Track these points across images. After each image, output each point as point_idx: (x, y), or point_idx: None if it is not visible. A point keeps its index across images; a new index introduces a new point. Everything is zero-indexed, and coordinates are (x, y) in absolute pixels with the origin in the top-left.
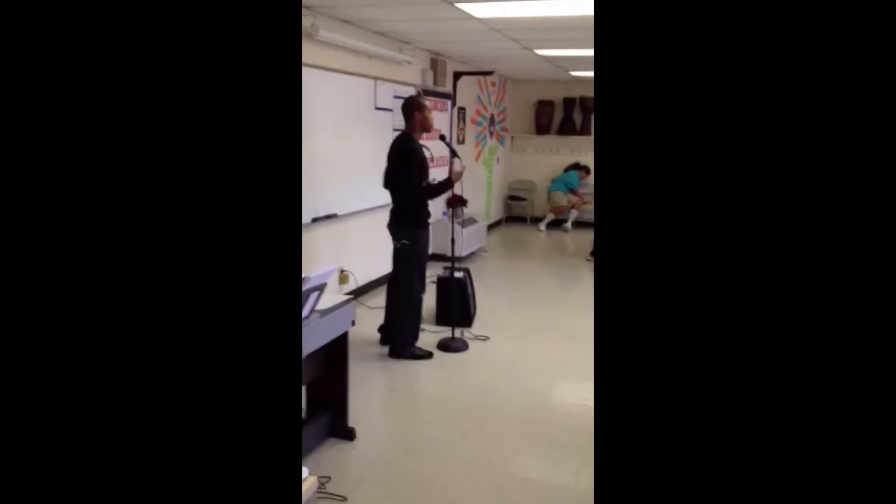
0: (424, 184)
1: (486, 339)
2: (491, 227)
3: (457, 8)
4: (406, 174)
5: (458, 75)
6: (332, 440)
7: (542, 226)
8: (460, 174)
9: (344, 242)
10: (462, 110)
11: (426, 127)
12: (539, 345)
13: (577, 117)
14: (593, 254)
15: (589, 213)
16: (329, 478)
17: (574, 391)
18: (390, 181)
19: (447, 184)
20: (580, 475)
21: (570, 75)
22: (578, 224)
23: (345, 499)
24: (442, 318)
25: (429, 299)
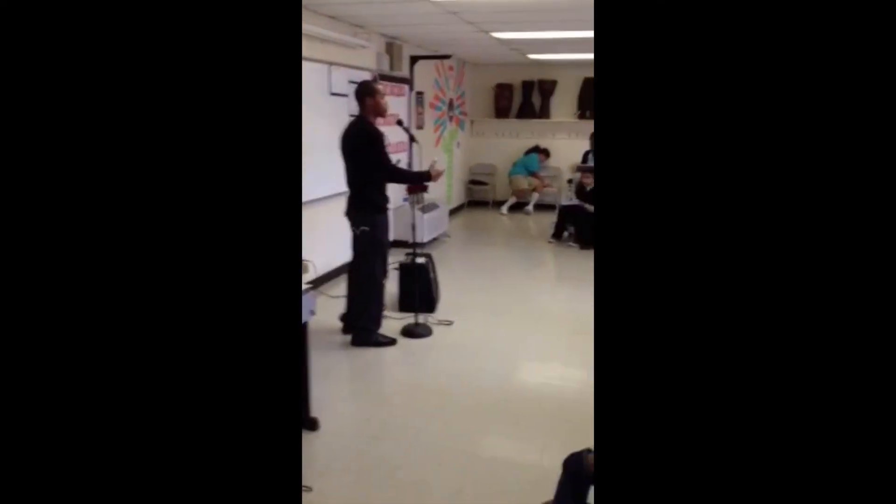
0: (392, 166)
1: (449, 323)
2: (453, 211)
3: None
4: (367, 156)
5: (414, 59)
6: None
7: (504, 209)
8: (440, 174)
9: (302, 231)
10: (420, 95)
11: (379, 112)
12: (503, 327)
13: (536, 100)
14: (555, 236)
15: (550, 195)
16: None
17: (538, 371)
18: (350, 168)
19: (425, 177)
20: (545, 453)
21: (528, 58)
22: (540, 207)
23: (309, 489)
24: (405, 305)
25: (391, 286)
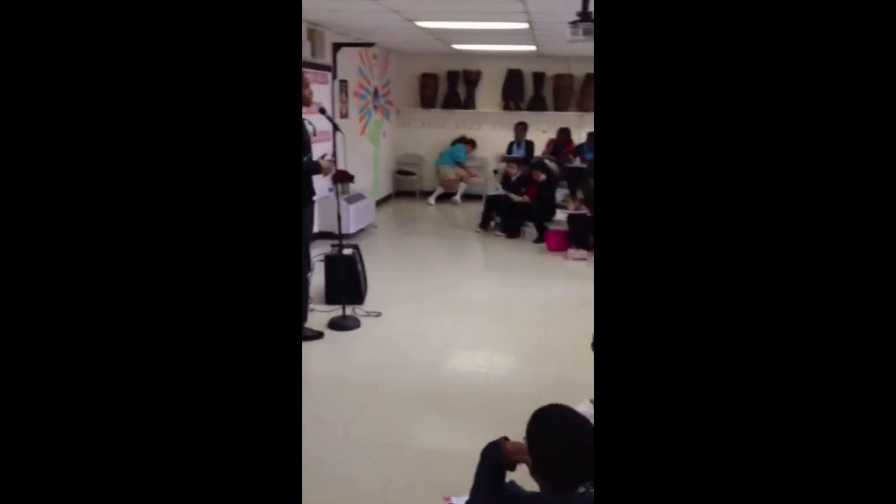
0: (305, 159)
1: (378, 314)
2: (380, 202)
3: None
4: None
5: (337, 47)
6: None
7: (432, 199)
8: (329, 169)
9: None
10: (344, 83)
11: (304, 102)
12: (431, 317)
13: (462, 91)
14: (482, 225)
15: (477, 185)
16: None
17: (466, 359)
18: None
19: (315, 169)
20: (474, 439)
21: (453, 49)
22: (467, 197)
23: None
24: (332, 297)
25: (317, 278)
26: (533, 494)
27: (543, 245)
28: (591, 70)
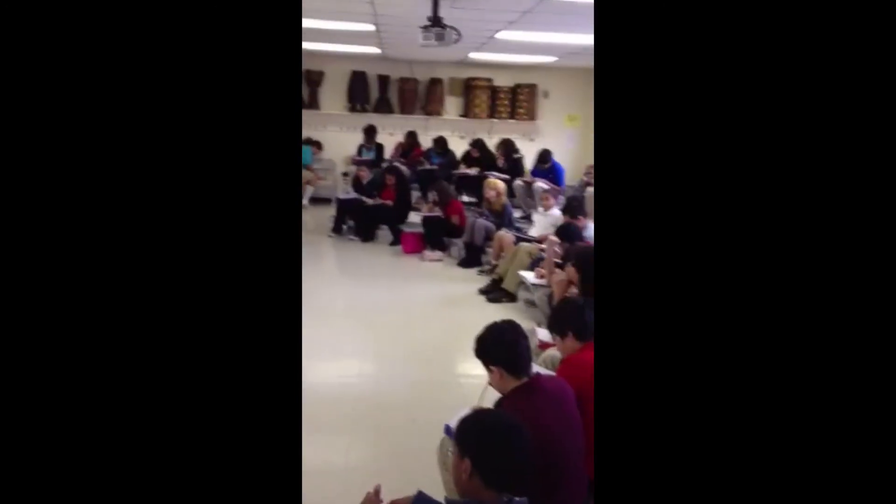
0: None
1: None
2: None
3: None
4: None
5: None
6: None
7: None
8: None
9: None
10: None
11: None
12: None
13: (304, 91)
14: (335, 230)
15: (325, 188)
16: None
17: (332, 370)
18: None
19: None
20: (350, 454)
21: None
22: (315, 200)
23: None
24: None
25: None
26: None
27: (399, 248)
28: (435, 75)
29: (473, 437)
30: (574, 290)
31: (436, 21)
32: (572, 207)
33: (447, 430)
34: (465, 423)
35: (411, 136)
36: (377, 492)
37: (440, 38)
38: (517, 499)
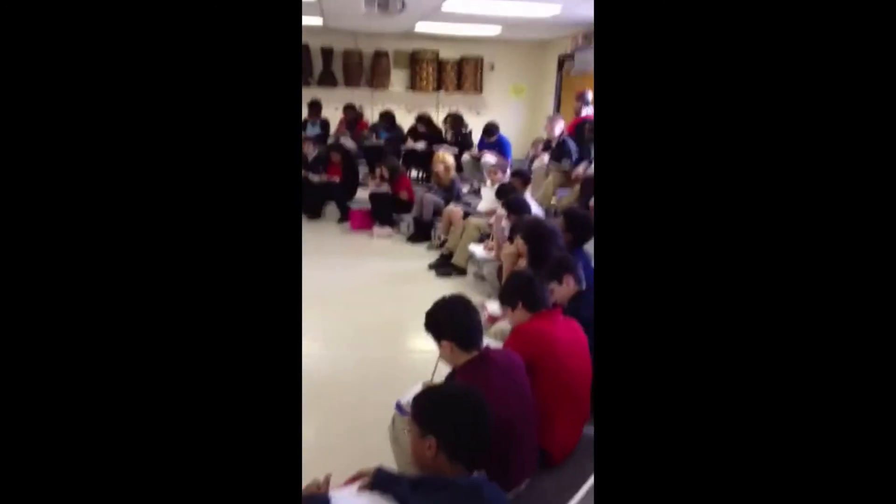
0: None
1: None
2: None
3: None
4: None
5: None
6: None
7: None
8: None
9: None
10: None
11: None
12: None
13: None
14: None
15: None
16: None
17: None
18: None
19: None
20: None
21: None
22: None
23: None
24: None
25: None
26: (449, 480)
27: (347, 224)
28: (380, 47)
29: (436, 413)
30: (523, 263)
31: None
32: (505, 192)
33: (398, 407)
34: (425, 400)
35: (352, 110)
36: (326, 481)
37: (384, 7)
38: (476, 472)
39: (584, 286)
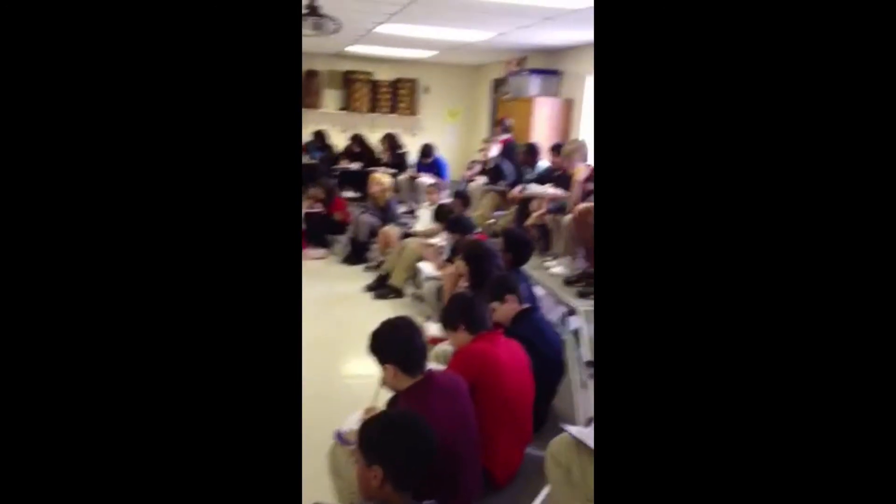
0: None
1: None
2: None
3: None
4: None
5: None
6: None
7: None
8: None
9: None
10: None
11: None
12: None
13: None
14: None
15: None
16: None
17: None
18: None
19: None
20: None
21: None
22: None
23: None
24: None
25: None
26: None
27: None
28: (314, 67)
29: (383, 442)
30: (464, 284)
31: (313, 10)
32: (444, 212)
33: (338, 436)
34: (370, 429)
35: None
36: None
37: (318, 27)
38: (426, 501)
39: (525, 305)
